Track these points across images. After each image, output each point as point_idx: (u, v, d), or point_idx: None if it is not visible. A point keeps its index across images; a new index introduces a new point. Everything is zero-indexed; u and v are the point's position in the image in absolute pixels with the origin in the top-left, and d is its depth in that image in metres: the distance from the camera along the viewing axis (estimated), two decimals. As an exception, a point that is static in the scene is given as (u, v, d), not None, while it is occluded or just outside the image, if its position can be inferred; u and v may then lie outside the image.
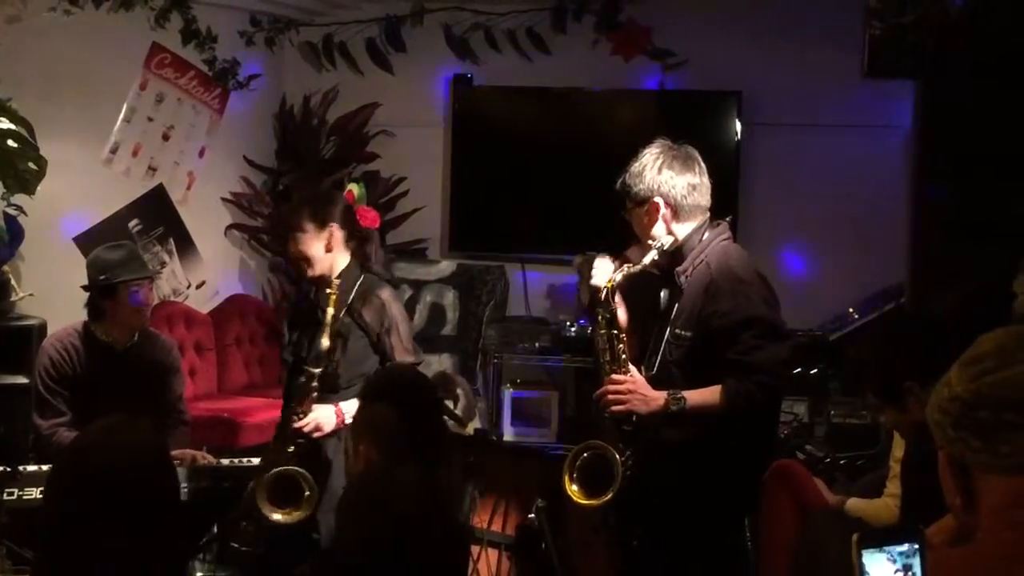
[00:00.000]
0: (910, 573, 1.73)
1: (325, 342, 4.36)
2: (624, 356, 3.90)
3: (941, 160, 6.10)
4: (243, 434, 6.45)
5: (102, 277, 4.86)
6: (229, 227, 7.77)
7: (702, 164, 3.99)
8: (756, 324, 3.79)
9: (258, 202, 7.80)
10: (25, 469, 4.44)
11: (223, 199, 7.72)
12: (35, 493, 4.32)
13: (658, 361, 3.97)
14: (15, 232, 6.07)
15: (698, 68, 7.43)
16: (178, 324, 7.03)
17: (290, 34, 7.99)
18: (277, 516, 4.28)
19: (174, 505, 2.59)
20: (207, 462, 4.88)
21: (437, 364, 7.23)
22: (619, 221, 4.10)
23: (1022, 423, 1.84)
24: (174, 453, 4.40)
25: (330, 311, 4.38)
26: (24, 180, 5.97)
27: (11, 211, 6.05)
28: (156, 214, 7.22)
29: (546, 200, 7.58)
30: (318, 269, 4.58)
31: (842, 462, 5.52)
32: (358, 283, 4.53)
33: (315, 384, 4.38)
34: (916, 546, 1.74)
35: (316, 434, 4.42)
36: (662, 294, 4.05)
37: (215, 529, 5.08)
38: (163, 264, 7.22)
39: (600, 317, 3.95)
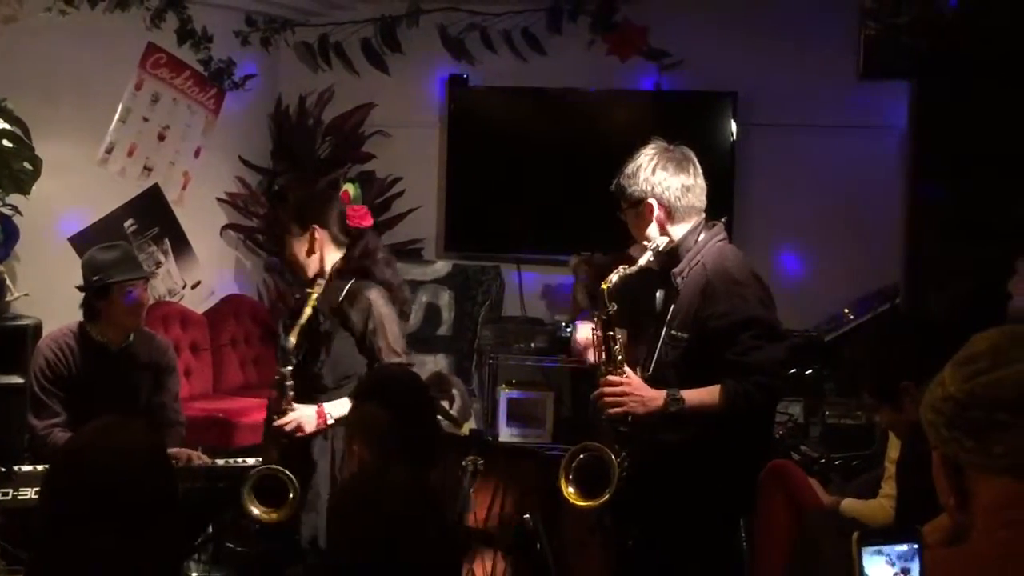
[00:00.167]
0: (908, 575, 1.73)
1: (291, 340, 4.37)
2: (620, 357, 3.90)
3: (936, 161, 6.10)
4: (238, 434, 6.45)
5: (96, 278, 4.86)
6: (224, 227, 7.77)
7: (697, 165, 3.99)
8: (754, 325, 3.79)
9: (253, 202, 7.80)
10: (20, 469, 4.44)
11: (218, 199, 7.72)
12: (30, 493, 4.32)
13: (654, 362, 3.98)
14: (10, 232, 6.06)
15: (694, 69, 7.43)
16: (173, 324, 7.03)
17: (286, 34, 7.99)
18: (257, 512, 4.28)
19: (170, 506, 2.58)
20: (202, 462, 4.89)
21: (433, 364, 7.23)
22: (615, 221, 4.11)
23: (1015, 423, 1.85)
24: (169, 452, 4.40)
25: (306, 311, 4.39)
26: (19, 180, 5.97)
27: (6, 211, 6.04)
28: (151, 214, 7.22)
29: (542, 201, 7.58)
30: (309, 271, 4.58)
31: (837, 463, 5.52)
32: (349, 284, 4.53)
33: (288, 383, 4.37)
34: (915, 547, 1.74)
35: (299, 434, 4.41)
36: (658, 295, 4.05)
37: (210, 529, 5.08)
38: (158, 264, 7.22)
39: (596, 318, 3.95)
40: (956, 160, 5.95)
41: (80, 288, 4.92)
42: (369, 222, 4.61)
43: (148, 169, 7.19)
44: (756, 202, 7.26)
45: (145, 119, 7.15)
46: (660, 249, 3.93)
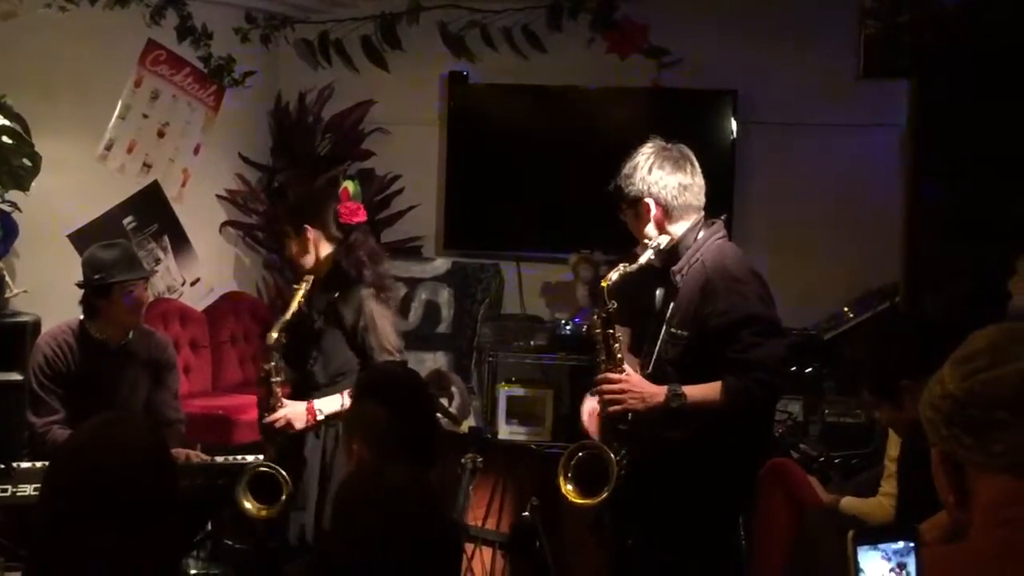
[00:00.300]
0: (904, 572, 1.73)
1: (272, 336, 4.39)
2: (620, 356, 3.90)
3: (936, 160, 6.09)
4: (237, 431, 6.44)
5: (97, 276, 4.85)
6: (224, 224, 7.76)
7: (695, 164, 3.99)
8: (754, 322, 3.80)
9: (253, 199, 7.79)
10: (19, 466, 4.44)
11: (218, 196, 7.71)
12: (29, 490, 4.32)
13: (654, 360, 3.99)
14: (9, 228, 6.06)
15: (694, 67, 7.42)
16: (173, 321, 7.02)
17: (286, 31, 7.98)
18: (249, 506, 4.31)
19: (170, 504, 2.58)
20: (201, 460, 4.89)
21: (432, 362, 7.23)
22: (615, 219, 4.11)
23: (1015, 421, 1.84)
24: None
25: (292, 308, 4.42)
26: (18, 176, 5.96)
27: (5, 207, 6.04)
28: (151, 211, 7.21)
29: (541, 198, 7.58)
30: (309, 268, 4.59)
31: (837, 461, 5.51)
32: (340, 281, 4.53)
33: (274, 379, 4.40)
34: (911, 545, 1.74)
35: (289, 431, 4.42)
36: (658, 293, 4.05)
37: (209, 526, 5.08)
38: (158, 261, 7.21)
39: (596, 316, 3.96)
40: (956, 159, 5.95)
41: (80, 285, 4.92)
42: (361, 218, 4.59)
43: (147, 166, 7.18)
44: (756, 200, 7.26)
45: (145, 116, 7.15)
46: (661, 247, 3.94)
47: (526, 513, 4.74)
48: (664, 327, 3.96)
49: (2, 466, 4.39)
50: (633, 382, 3.88)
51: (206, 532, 5.11)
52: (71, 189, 6.66)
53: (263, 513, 4.32)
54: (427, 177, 7.91)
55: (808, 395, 6.23)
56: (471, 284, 7.50)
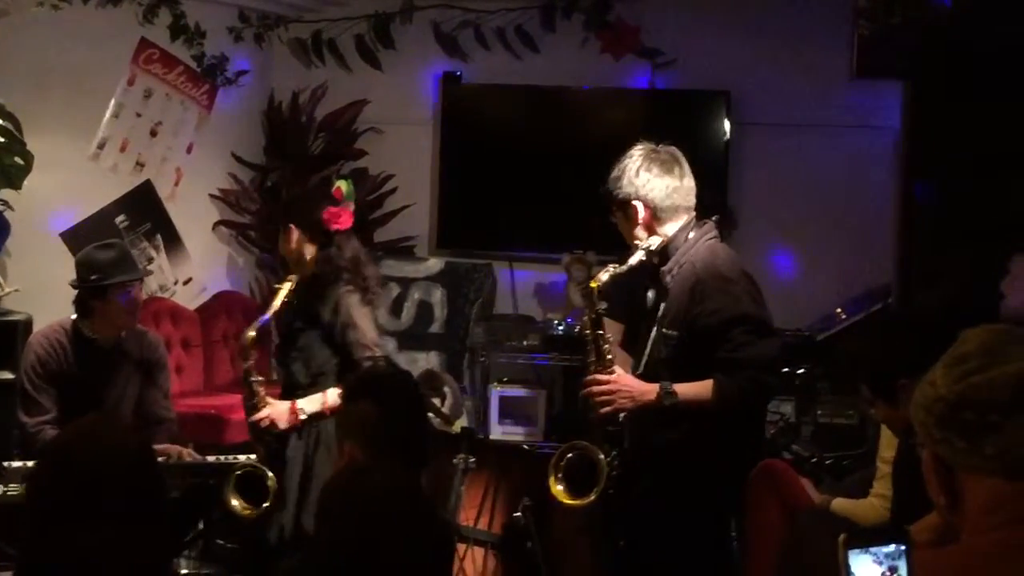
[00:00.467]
0: (896, 575, 1.72)
1: (249, 335, 4.43)
2: (610, 356, 3.91)
3: (929, 161, 6.10)
4: (229, 431, 6.44)
5: (93, 277, 4.84)
6: (217, 223, 7.76)
7: (684, 165, 4.00)
8: (744, 321, 3.80)
9: (246, 199, 7.79)
10: (10, 465, 4.43)
11: (211, 195, 7.71)
12: (20, 489, 4.30)
13: (645, 360, 3.99)
14: (1, 227, 6.05)
15: (687, 67, 7.43)
16: (165, 320, 7.02)
17: (279, 30, 7.98)
18: (236, 505, 4.34)
19: (157, 504, 2.58)
20: (193, 459, 4.89)
21: (424, 362, 7.23)
22: (608, 220, 4.12)
23: (1007, 424, 1.84)
24: (159, 448, 4.40)
25: (272, 307, 4.46)
26: (10, 175, 5.96)
27: (-2, 206, 6.04)
28: (143, 210, 7.20)
29: (534, 199, 7.57)
30: (296, 267, 4.61)
31: (828, 462, 5.51)
32: (320, 282, 4.55)
33: (254, 379, 4.45)
34: (902, 548, 1.73)
35: (273, 430, 4.45)
36: (649, 294, 4.06)
37: (201, 525, 5.08)
38: (150, 260, 7.20)
39: (586, 317, 3.96)
40: (949, 160, 5.95)
41: (75, 286, 4.91)
42: (345, 224, 4.58)
43: (140, 165, 7.17)
44: (749, 201, 7.26)
45: (138, 115, 7.14)
46: (652, 248, 3.94)
47: (518, 513, 4.74)
48: (656, 327, 3.97)
49: (-7, 465, 4.39)
50: (623, 382, 3.88)
51: (198, 531, 5.09)
52: (63, 188, 6.66)
53: (247, 512, 4.34)
54: (420, 177, 7.91)
55: (800, 396, 6.23)
56: (464, 284, 7.50)
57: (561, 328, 7.12)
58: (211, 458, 4.90)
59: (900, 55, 6.13)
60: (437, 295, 7.47)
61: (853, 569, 1.71)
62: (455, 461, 4.76)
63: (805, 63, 7.23)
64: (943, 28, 5.76)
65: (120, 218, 7.04)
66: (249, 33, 7.80)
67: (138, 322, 5.19)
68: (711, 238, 4.00)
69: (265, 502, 4.32)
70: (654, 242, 3.95)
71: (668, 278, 3.95)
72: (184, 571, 5.24)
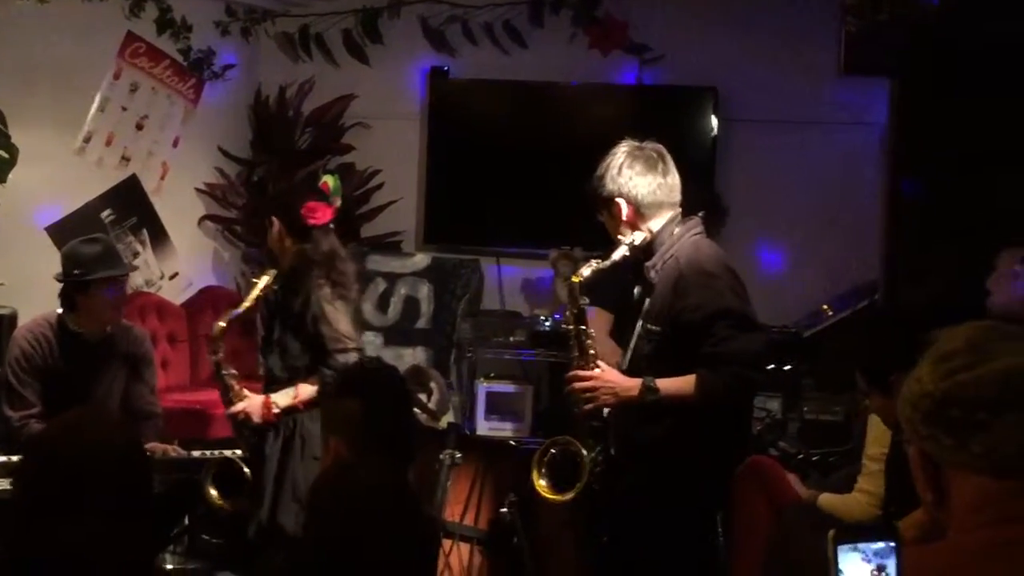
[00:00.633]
0: (884, 573, 1.72)
1: (219, 325, 4.51)
2: (592, 352, 3.92)
3: (916, 157, 6.10)
4: (215, 426, 6.42)
5: (76, 272, 4.82)
6: (203, 218, 7.74)
7: (668, 162, 4.01)
8: (727, 316, 3.81)
9: (232, 193, 7.77)
10: (-5, 459, 4.43)
11: (197, 190, 7.69)
12: (5, 484, 4.30)
13: (629, 356, 4.00)
14: (-14, 221, 6.04)
15: (675, 63, 7.43)
16: (151, 315, 7.00)
17: (266, 24, 7.96)
18: (214, 493, 4.39)
19: (143, 499, 2.57)
20: (178, 454, 4.88)
21: (411, 357, 7.21)
22: (594, 216, 4.13)
23: (994, 421, 1.84)
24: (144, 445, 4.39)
25: (246, 301, 4.51)
26: (-4, 168, 5.94)
27: (-18, 199, 6.02)
28: (129, 204, 7.18)
29: (521, 194, 7.56)
30: (278, 261, 4.61)
31: (815, 458, 5.52)
32: (295, 277, 4.55)
33: (225, 372, 4.51)
34: (892, 545, 1.73)
35: (250, 423, 4.48)
36: (635, 290, 4.07)
37: (186, 521, 5.07)
38: (136, 255, 7.18)
39: (568, 312, 3.98)
40: (936, 157, 5.95)
41: (59, 279, 4.89)
42: (321, 220, 4.57)
43: (126, 159, 7.15)
44: (736, 198, 7.25)
45: (123, 108, 7.12)
46: (636, 244, 3.95)
47: (504, 509, 4.74)
48: (640, 323, 3.98)
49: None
50: (605, 377, 3.90)
51: (183, 527, 5.09)
52: (49, 181, 6.64)
53: (222, 504, 4.38)
54: (407, 172, 7.90)
55: (787, 392, 6.23)
56: (451, 280, 7.49)
57: (548, 324, 7.11)
58: (196, 453, 4.90)
59: (887, 52, 6.13)
60: (424, 290, 7.46)
61: (842, 566, 1.70)
62: (441, 457, 4.75)
63: (792, 60, 7.23)
64: (930, 25, 5.76)
65: (106, 212, 7.02)
66: (236, 27, 7.78)
67: (124, 317, 5.18)
68: (696, 234, 4.01)
69: (238, 496, 4.34)
70: (638, 237, 3.96)
71: (652, 273, 3.97)
72: (169, 566, 5.24)
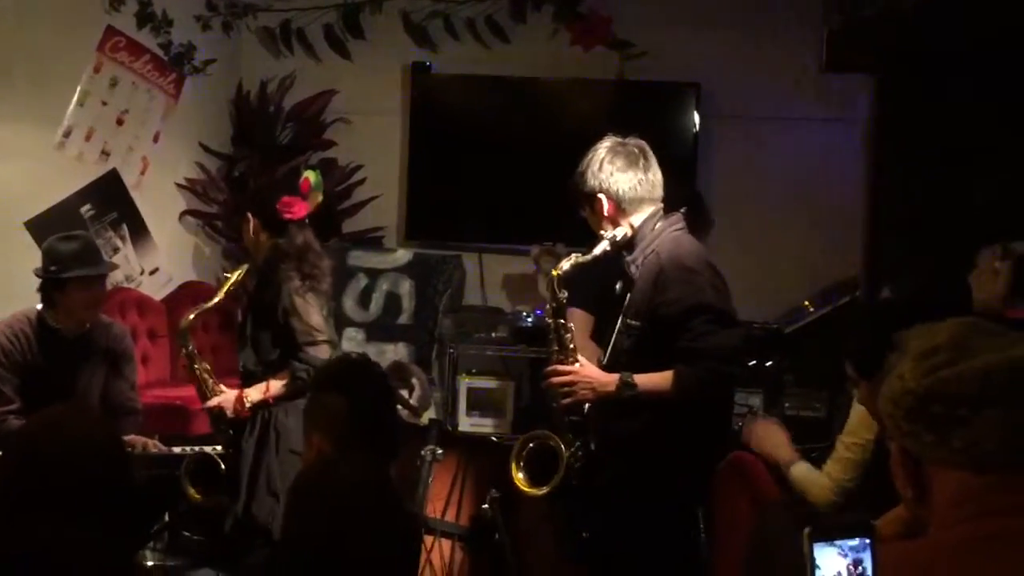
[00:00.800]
0: (860, 567, 1.73)
1: (188, 318, 4.60)
2: (572, 346, 3.93)
3: (898, 154, 6.12)
4: (195, 421, 6.40)
5: (52, 268, 4.81)
6: (183, 213, 7.71)
7: (650, 158, 4.03)
8: (706, 311, 3.83)
9: (213, 188, 7.74)
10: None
11: (177, 185, 7.66)
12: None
13: (609, 351, 4.02)
14: (-35, 216, 6.01)
15: (657, 59, 7.43)
16: (131, 311, 6.97)
17: (247, 19, 7.93)
18: (192, 489, 4.43)
19: (123, 496, 2.56)
20: (159, 450, 4.87)
21: (392, 353, 7.21)
22: (577, 212, 4.14)
23: (975, 418, 1.84)
24: (125, 440, 4.38)
25: (217, 296, 4.57)
26: (-26, 163, 5.90)
27: (-39, 195, 5.98)
28: (109, 199, 7.14)
29: (503, 190, 7.56)
30: (254, 255, 4.65)
31: (796, 454, 5.53)
32: (267, 271, 4.56)
33: (196, 366, 4.57)
34: (867, 541, 1.74)
35: (225, 416, 4.53)
36: (618, 284, 4.08)
37: (167, 517, 5.06)
38: (116, 250, 7.15)
39: (548, 306, 3.99)
40: (918, 153, 5.97)
41: (37, 274, 4.87)
42: (296, 215, 4.59)
43: (106, 154, 7.11)
44: (718, 193, 7.26)
45: (103, 103, 7.07)
46: (616, 239, 3.96)
47: (485, 505, 4.73)
48: (621, 318, 3.99)
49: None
50: (584, 372, 3.92)
51: (164, 523, 5.07)
52: (28, 176, 6.60)
53: (198, 499, 4.43)
54: (389, 167, 7.89)
55: (768, 388, 6.25)
56: (432, 275, 7.48)
57: (530, 320, 7.12)
58: (177, 449, 4.89)
59: (869, 49, 6.14)
60: (405, 286, 7.46)
61: (818, 561, 1.72)
62: (423, 453, 4.74)
63: (775, 56, 7.25)
64: (912, 23, 5.77)
65: (86, 207, 6.98)
66: (217, 22, 7.75)
67: (103, 312, 5.16)
68: (677, 229, 4.02)
69: (218, 490, 4.34)
70: (619, 233, 3.97)
71: (633, 268, 3.98)
72: (150, 563, 5.21)
